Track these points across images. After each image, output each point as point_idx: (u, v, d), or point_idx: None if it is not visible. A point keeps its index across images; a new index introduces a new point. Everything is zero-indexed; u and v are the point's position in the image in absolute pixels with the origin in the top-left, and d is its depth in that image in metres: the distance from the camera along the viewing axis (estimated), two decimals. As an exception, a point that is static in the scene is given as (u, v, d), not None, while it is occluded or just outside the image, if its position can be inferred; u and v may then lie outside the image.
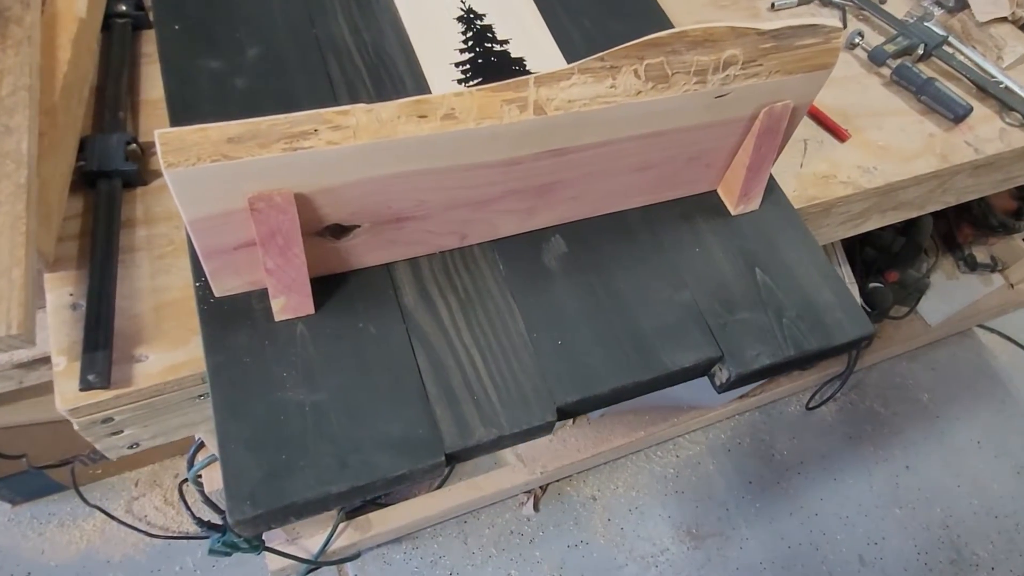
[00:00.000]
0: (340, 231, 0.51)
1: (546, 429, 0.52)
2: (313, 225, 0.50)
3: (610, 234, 0.61)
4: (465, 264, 0.57)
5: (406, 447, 0.48)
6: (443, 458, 0.48)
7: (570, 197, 0.58)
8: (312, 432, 0.48)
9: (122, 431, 0.57)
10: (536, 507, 1.52)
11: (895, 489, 1.67)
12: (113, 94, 0.66)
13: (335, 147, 0.44)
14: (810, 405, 1.70)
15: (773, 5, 0.89)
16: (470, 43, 0.71)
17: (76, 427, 0.54)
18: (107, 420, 0.54)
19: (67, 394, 0.51)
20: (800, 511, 1.60)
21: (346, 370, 0.51)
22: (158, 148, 0.41)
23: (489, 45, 0.72)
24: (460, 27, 0.73)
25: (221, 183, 0.43)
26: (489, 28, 0.73)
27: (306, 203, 0.47)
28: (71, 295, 0.56)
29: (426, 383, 0.51)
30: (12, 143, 0.53)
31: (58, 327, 0.54)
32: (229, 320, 0.52)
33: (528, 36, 0.73)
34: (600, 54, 0.49)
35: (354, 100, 0.65)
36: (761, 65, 0.53)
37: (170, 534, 1.38)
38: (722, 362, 0.56)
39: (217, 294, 0.52)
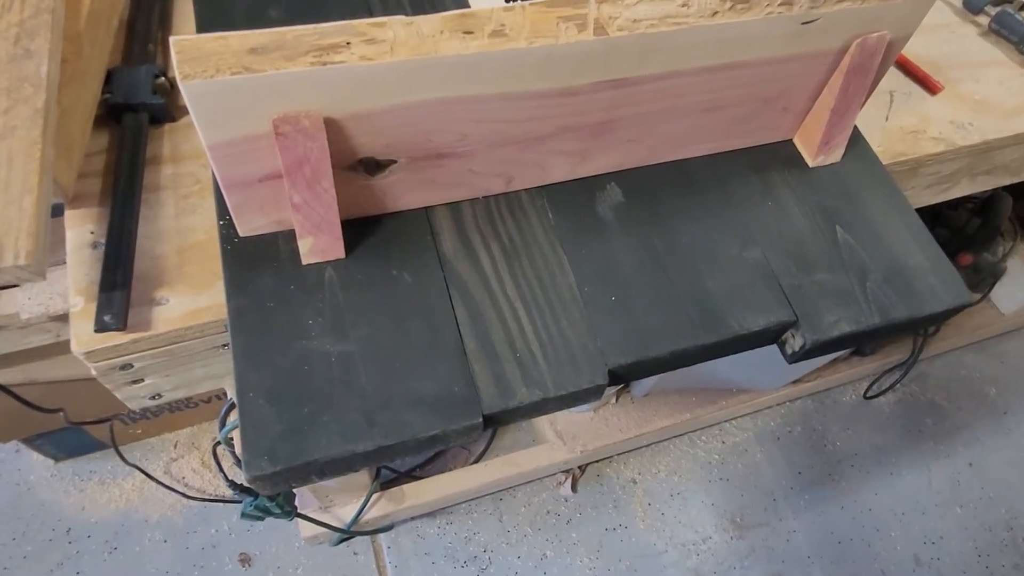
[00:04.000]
0: (374, 166, 0.47)
1: (595, 393, 0.46)
2: (345, 157, 0.45)
3: (671, 184, 0.55)
4: (511, 211, 0.52)
5: (440, 406, 0.43)
6: (480, 420, 0.43)
7: (628, 139, 0.52)
8: (338, 385, 0.44)
9: (143, 379, 0.54)
10: (574, 488, 1.47)
11: (956, 487, 1.57)
12: (144, 26, 0.62)
13: (369, 63, 0.39)
14: (868, 394, 1.61)
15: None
16: (522, -22, 0.66)
17: (94, 372, 0.51)
18: (126, 367, 0.51)
19: (82, 336, 0.48)
20: (852, 505, 1.52)
21: (377, 320, 0.46)
22: (173, 57, 0.37)
23: (543, -20, 0.66)
24: (512, -39, 0.67)
25: (242, 100, 0.39)
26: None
27: (337, 130, 0.42)
28: (92, 233, 0.53)
29: (464, 337, 0.46)
30: (32, 67, 0.49)
31: (76, 266, 0.51)
32: (253, 262, 0.48)
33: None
34: (672, -34, 0.43)
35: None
36: (857, -14, 0.47)
37: (207, 497, 1.37)
38: (795, 327, 0.50)
39: (242, 233, 0.48)
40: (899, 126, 0.67)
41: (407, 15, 0.61)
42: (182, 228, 0.53)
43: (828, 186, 0.57)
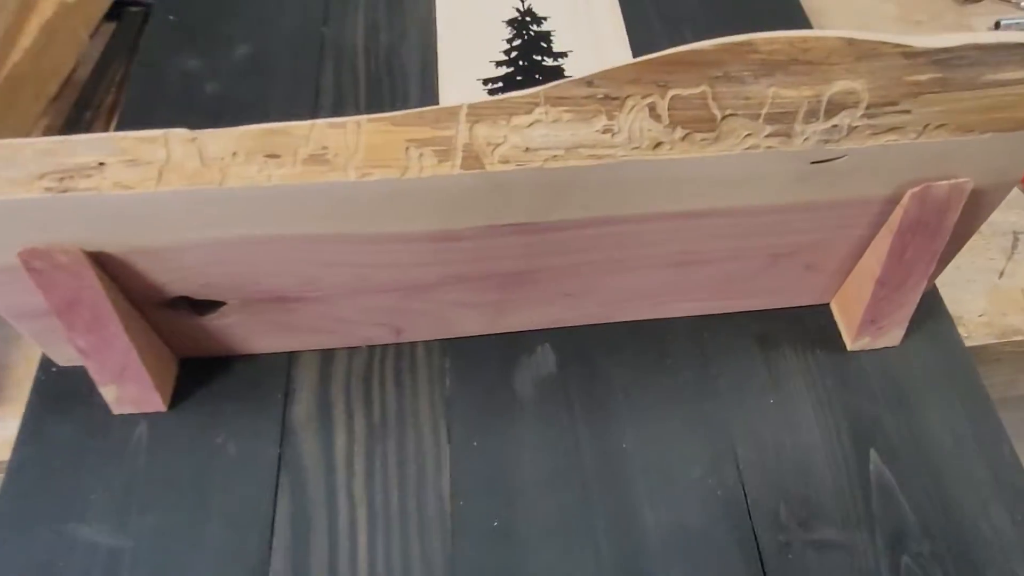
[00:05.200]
0: (200, 306, 0.36)
1: (431, 672, 0.32)
2: (150, 295, 0.34)
3: (631, 352, 0.40)
4: (397, 369, 0.39)
5: (202, 657, 0.31)
6: None
7: (564, 294, 0.38)
8: (87, 599, 0.33)
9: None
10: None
11: None
12: (90, 91, 0.57)
13: (127, 193, 0.28)
14: None
15: (998, 24, 0.60)
16: (513, 54, 0.53)
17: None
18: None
19: None
20: None
21: (174, 507, 0.35)
22: None
23: (539, 58, 0.53)
24: (507, 32, 0.54)
25: (-31, 229, 0.29)
26: (546, 36, 0.54)
27: (120, 267, 0.32)
28: (-44, 328, 0.46)
29: (274, 551, 0.34)
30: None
31: (-78, 365, 0.45)
32: (62, 401, 0.38)
33: (597, 49, 0.53)
34: (590, 74, 0.29)
35: (339, 115, 0.49)
36: (908, 112, 0.29)
37: None
38: (768, 616, 0.33)
39: (60, 363, 0.39)
40: (1021, 288, 0.46)
41: (359, 95, 0.51)
42: (45, 332, 0.45)
43: (871, 383, 0.38)
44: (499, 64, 0.52)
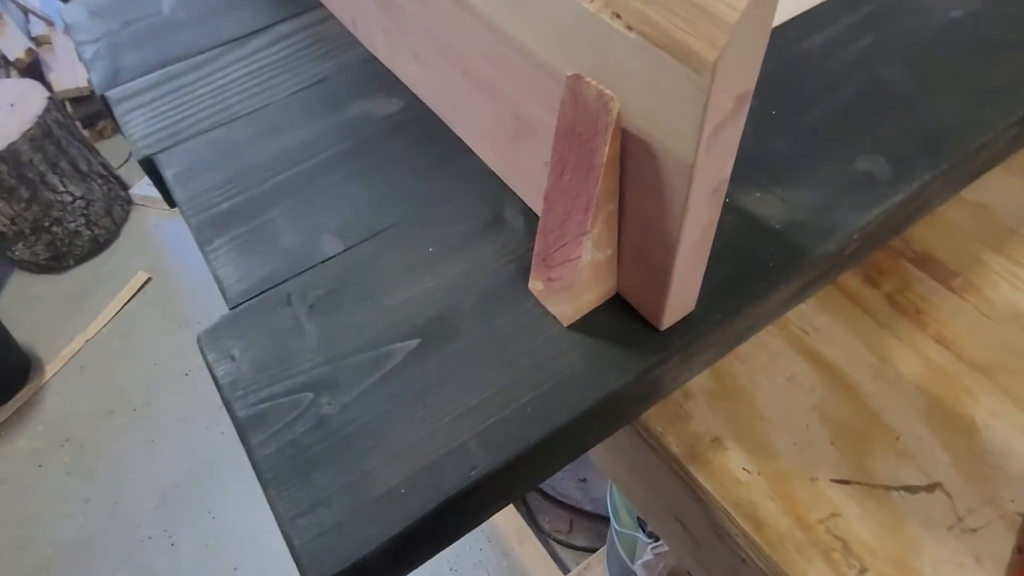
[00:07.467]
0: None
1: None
2: None
3: (433, 146, 0.40)
4: (327, 50, 0.47)
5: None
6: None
7: (415, 54, 0.40)
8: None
9: None
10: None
11: None
12: None
13: None
14: None
15: None
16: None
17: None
18: None
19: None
20: None
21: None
22: None
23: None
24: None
25: None
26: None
27: None
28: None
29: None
30: None
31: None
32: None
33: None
34: None
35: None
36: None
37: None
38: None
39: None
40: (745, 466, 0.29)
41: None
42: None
43: (502, 327, 0.32)
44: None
